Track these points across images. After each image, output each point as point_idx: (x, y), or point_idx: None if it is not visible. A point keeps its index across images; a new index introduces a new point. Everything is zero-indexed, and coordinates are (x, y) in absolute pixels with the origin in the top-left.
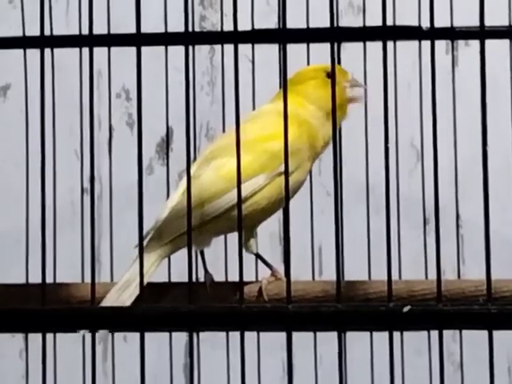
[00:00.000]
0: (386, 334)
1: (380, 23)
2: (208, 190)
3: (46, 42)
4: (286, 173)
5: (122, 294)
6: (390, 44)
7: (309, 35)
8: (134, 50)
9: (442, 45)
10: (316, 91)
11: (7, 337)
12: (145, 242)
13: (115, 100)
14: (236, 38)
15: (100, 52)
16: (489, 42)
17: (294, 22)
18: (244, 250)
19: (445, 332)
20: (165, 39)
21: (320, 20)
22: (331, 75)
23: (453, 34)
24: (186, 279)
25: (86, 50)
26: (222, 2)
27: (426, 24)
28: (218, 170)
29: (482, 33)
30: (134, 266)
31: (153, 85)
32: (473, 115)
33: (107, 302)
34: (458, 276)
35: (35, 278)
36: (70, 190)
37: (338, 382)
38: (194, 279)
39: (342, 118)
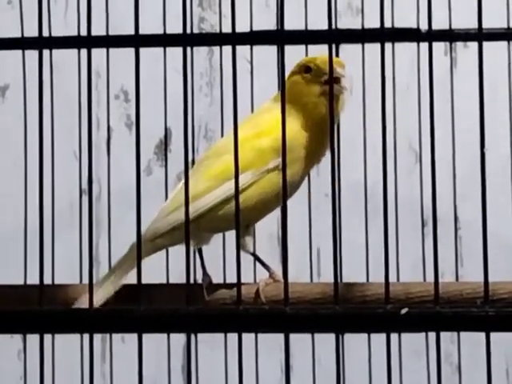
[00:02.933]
0: (383, 336)
1: (378, 25)
2: (194, 189)
3: (44, 42)
4: (284, 172)
5: (98, 291)
6: (388, 46)
7: (307, 37)
8: (132, 51)
9: (440, 46)
10: (294, 94)
11: (5, 337)
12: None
13: (114, 101)
14: (234, 39)
15: (98, 53)
16: (487, 44)
17: (293, 23)
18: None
19: (443, 334)
20: (163, 40)
21: (318, 21)
22: (329, 78)
23: (451, 36)
24: (184, 279)
25: (84, 51)
26: (220, 3)
27: (424, 26)
28: (204, 170)
29: (480, 35)
30: (116, 264)
31: (151, 86)
32: (471, 117)
33: (83, 299)
34: (457, 278)
35: (33, 278)
36: (69, 191)
37: (335, 383)
38: (192, 280)
39: (336, 114)
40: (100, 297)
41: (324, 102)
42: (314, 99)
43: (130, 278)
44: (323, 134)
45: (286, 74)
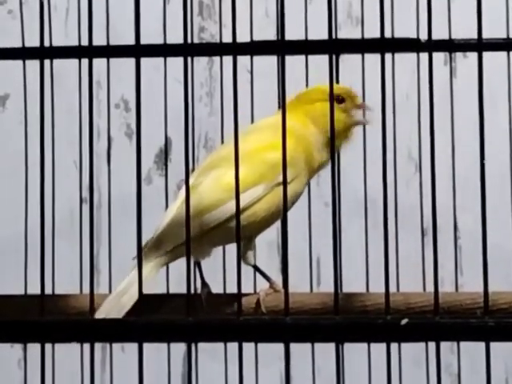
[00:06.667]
0: (383, 346)
1: (378, 35)
2: (207, 201)
3: (45, 53)
4: (285, 183)
5: (120, 301)
6: (388, 56)
7: (308, 47)
8: (132, 60)
9: (440, 56)
10: (323, 116)
11: (6, 347)
12: (143, 251)
13: (114, 110)
14: (235, 49)
15: (99, 63)
16: (486, 54)
17: (293, 33)
18: (242, 262)
19: (442, 344)
20: (164, 50)
21: (318, 32)
22: (329, 89)
23: (451, 46)
24: (184, 290)
25: (85, 61)
26: (220, 13)
27: (424, 36)
28: (217, 180)
29: (480, 45)
30: (131, 274)
31: (151, 95)
32: (470, 126)
33: (104, 309)
34: (456, 287)
35: (34, 288)
36: (69, 199)
37: None
38: (192, 290)
39: (345, 142)
40: (122, 308)
41: (351, 130)
42: (343, 128)
43: (150, 287)
44: (324, 157)
45: (298, 92)
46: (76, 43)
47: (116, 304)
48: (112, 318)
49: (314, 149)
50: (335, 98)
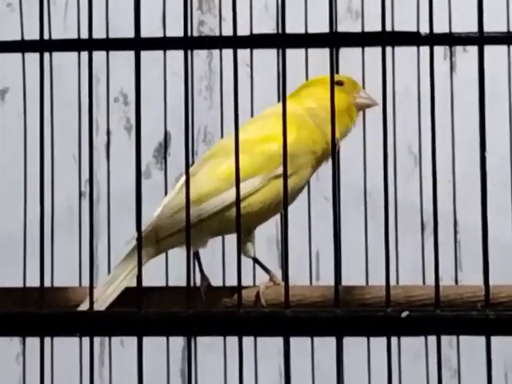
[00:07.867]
0: (383, 339)
1: (377, 29)
2: (201, 190)
3: (45, 45)
4: (285, 177)
5: (104, 293)
6: (388, 49)
7: (308, 40)
8: (130, 53)
9: (439, 50)
10: (322, 92)
11: (4, 341)
12: (136, 241)
13: (113, 104)
14: (236, 43)
15: (97, 56)
16: (487, 48)
17: (292, 27)
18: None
19: (441, 338)
20: (164, 44)
21: (317, 25)
22: (330, 79)
23: (451, 40)
24: (182, 283)
25: (84, 54)
26: (220, 7)
27: (423, 29)
28: (212, 170)
29: (481, 39)
30: (119, 265)
31: (150, 89)
32: (471, 121)
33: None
34: (456, 282)
35: (33, 281)
36: (68, 193)
37: None
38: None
39: (350, 124)
40: (107, 299)
41: (355, 112)
42: (346, 107)
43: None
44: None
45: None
46: (75, 36)
47: (100, 296)
48: (109, 311)
49: (317, 131)
50: (335, 83)
